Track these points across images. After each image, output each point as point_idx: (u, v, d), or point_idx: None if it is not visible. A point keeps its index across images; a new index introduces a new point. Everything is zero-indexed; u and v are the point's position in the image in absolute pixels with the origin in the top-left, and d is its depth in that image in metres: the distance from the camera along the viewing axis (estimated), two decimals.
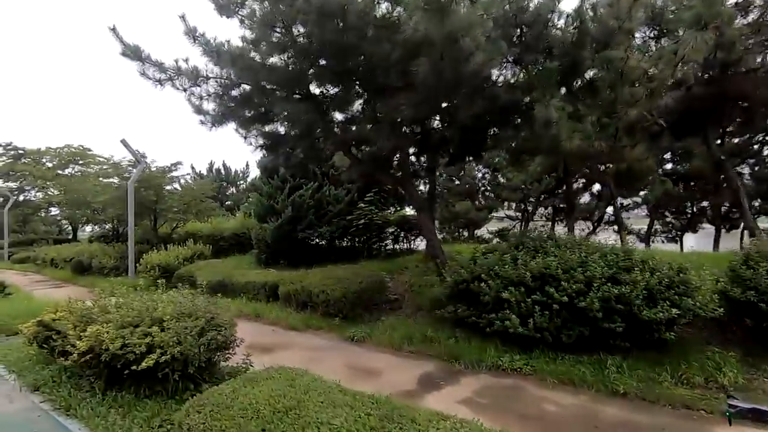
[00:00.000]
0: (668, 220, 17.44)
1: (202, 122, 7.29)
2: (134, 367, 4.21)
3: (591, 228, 16.86)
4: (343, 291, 8.01)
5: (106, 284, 13.50)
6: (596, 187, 16.29)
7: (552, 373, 5.08)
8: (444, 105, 6.76)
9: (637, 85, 5.97)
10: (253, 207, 15.54)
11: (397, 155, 8.56)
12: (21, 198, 30.14)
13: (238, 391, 3.57)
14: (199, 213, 15.81)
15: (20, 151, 29.34)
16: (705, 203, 15.56)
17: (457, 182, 20.37)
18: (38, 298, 10.59)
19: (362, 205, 12.73)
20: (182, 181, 16.62)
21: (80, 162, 30.15)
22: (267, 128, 8.00)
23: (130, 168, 15.76)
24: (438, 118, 7.65)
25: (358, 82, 6.38)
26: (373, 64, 6.09)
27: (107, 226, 19.09)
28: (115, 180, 16.48)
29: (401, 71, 6.07)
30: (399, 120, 6.73)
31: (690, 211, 16.49)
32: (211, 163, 30.54)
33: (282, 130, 8.39)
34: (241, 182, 30.22)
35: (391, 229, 12.47)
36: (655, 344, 5.28)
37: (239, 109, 7.12)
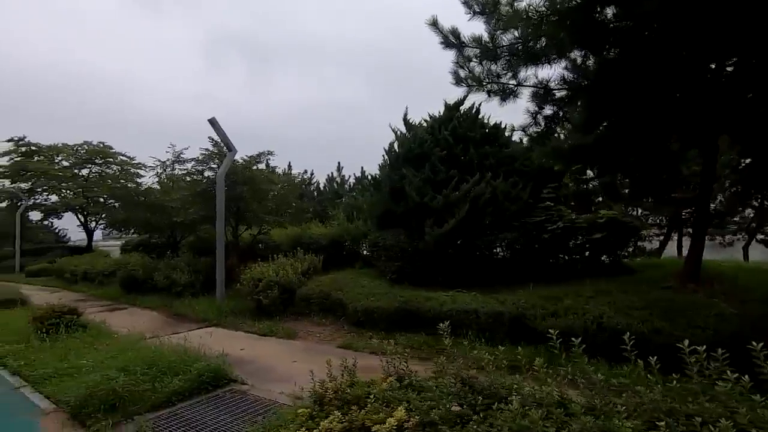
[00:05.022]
0: None
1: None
2: None
3: None
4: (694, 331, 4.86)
5: (196, 307, 10.28)
6: None
7: None
8: None
9: None
10: (364, 207, 12.28)
11: None
12: (31, 201, 26.27)
13: None
14: (293, 215, 12.47)
15: (33, 148, 25.45)
16: None
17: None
18: (121, 334, 7.20)
19: (548, 203, 9.59)
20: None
21: (99, 161, 26.28)
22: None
23: (198, 164, 12.46)
24: None
25: None
26: None
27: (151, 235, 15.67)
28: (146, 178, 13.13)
29: None
30: None
31: None
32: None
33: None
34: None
35: (594, 237, 9.25)
36: None
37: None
